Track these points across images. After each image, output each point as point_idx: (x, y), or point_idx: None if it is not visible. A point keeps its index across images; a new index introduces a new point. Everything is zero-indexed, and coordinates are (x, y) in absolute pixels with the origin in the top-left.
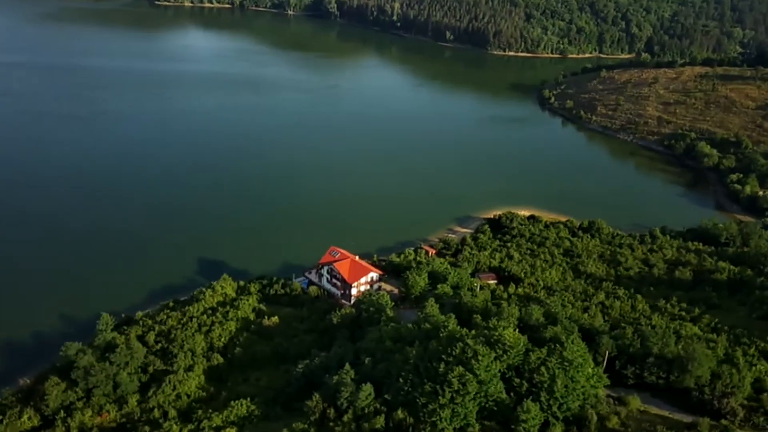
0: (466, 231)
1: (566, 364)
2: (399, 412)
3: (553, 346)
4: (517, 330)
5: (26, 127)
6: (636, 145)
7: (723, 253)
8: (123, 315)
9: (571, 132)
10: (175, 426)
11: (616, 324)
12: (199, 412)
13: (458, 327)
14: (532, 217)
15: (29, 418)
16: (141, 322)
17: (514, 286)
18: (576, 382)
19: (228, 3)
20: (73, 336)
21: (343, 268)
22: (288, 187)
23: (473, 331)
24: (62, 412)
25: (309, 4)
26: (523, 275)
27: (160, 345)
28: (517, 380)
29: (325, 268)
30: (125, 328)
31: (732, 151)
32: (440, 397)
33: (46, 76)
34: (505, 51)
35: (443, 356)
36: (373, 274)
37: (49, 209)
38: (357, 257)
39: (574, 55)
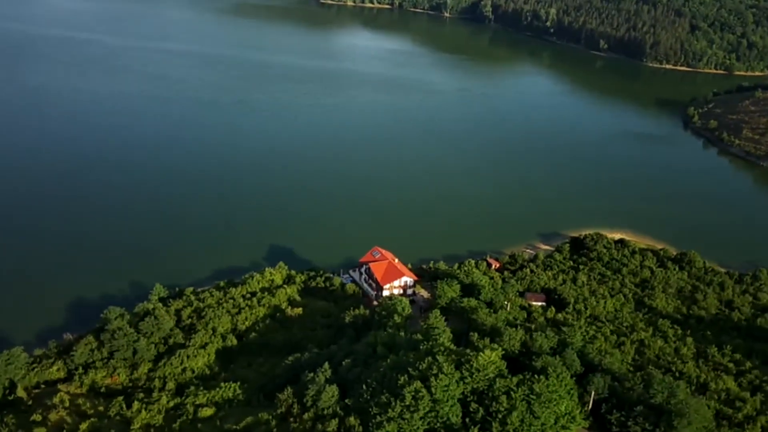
0: (546, 248)
1: (533, 396)
2: (351, 418)
3: (527, 376)
4: (494, 353)
5: (162, 108)
6: None
7: None
8: (176, 289)
9: (710, 155)
10: (164, 397)
11: (643, 365)
12: (192, 388)
13: (451, 343)
14: (621, 241)
15: (57, 370)
16: (185, 297)
17: (553, 310)
18: (537, 418)
19: (387, 3)
20: (133, 302)
21: (377, 270)
22: (385, 186)
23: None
24: (81, 368)
25: (465, 8)
26: (572, 300)
27: (190, 321)
28: (475, 405)
29: (364, 267)
30: (171, 300)
31: None
32: (390, 410)
33: (203, 65)
34: (661, 63)
35: (409, 369)
36: (407, 279)
37: (145, 186)
38: (397, 260)
39: (741, 72)
